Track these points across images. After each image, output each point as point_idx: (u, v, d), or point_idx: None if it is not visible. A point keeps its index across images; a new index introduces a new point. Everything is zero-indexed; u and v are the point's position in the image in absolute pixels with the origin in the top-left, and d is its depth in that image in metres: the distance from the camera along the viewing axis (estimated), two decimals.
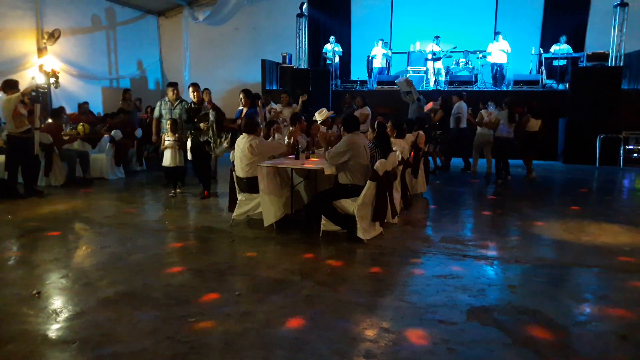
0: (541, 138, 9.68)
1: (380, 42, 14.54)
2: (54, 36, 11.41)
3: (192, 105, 7.49)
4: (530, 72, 14.00)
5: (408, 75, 14.17)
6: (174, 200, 7.33)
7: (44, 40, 11.40)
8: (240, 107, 8.18)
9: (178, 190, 7.66)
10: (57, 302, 3.67)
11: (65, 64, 12.07)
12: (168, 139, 7.43)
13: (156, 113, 7.94)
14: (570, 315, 3.55)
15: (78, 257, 4.77)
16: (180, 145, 7.46)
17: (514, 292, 3.94)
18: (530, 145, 9.58)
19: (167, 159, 7.49)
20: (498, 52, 13.48)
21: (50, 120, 8.82)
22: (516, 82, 13.24)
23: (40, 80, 11.07)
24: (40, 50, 11.44)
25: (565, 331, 3.28)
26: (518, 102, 10.06)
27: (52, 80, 10.76)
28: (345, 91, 13.47)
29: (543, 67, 13.43)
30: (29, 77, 10.97)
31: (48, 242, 5.26)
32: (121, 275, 4.27)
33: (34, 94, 7.63)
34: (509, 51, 13.44)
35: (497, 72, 13.67)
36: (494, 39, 13.56)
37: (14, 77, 8.00)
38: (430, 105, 10.80)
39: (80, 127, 9.45)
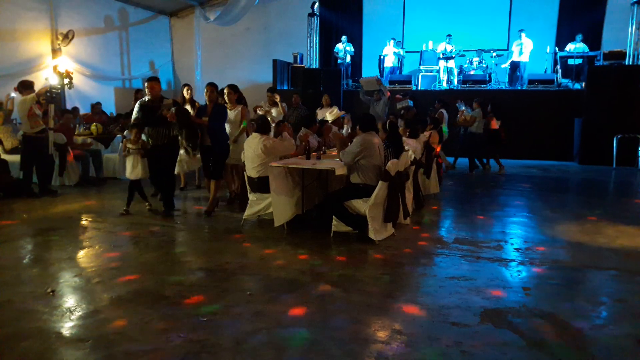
0: (504, 136, 10.53)
1: (392, 41, 14.47)
2: (67, 37, 11.52)
3: (148, 102, 6.18)
4: (545, 72, 13.84)
5: (420, 74, 14.13)
6: (182, 201, 7.35)
7: (58, 42, 11.51)
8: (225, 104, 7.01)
9: (148, 206, 6.59)
10: (70, 301, 3.70)
11: (79, 64, 12.18)
12: (130, 146, 6.35)
13: (135, 113, 6.84)
14: (587, 318, 3.49)
15: (91, 256, 4.80)
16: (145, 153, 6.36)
17: (528, 295, 3.89)
18: (496, 142, 10.41)
19: (129, 169, 6.38)
20: (521, 50, 13.30)
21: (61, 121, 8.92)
22: (531, 82, 13.09)
23: (54, 81, 11.16)
24: (55, 51, 11.56)
25: (581, 334, 3.23)
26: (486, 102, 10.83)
27: (66, 80, 10.88)
28: (357, 91, 13.43)
29: (558, 66, 13.26)
30: (44, 77, 11.07)
31: (62, 241, 5.30)
32: (133, 274, 4.29)
33: (48, 94, 7.71)
34: (531, 49, 13.27)
35: (517, 71, 13.51)
36: (518, 36, 13.41)
37: (29, 78, 8.09)
38: (398, 98, 10.76)
39: (93, 127, 9.54)
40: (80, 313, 3.46)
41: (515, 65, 13.47)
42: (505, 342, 3.08)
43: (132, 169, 6.35)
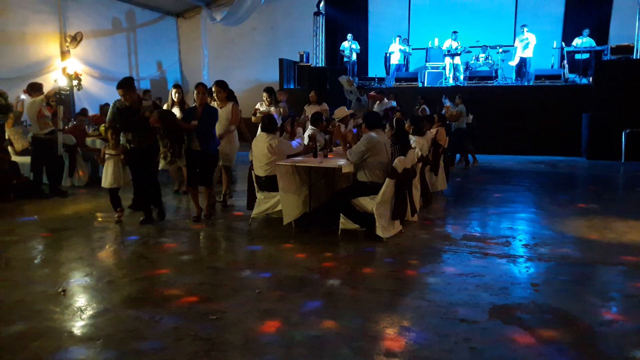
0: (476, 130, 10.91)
1: (397, 39, 14.45)
2: (76, 39, 11.63)
3: (124, 105, 5.71)
4: (552, 67, 13.76)
5: (426, 71, 14.10)
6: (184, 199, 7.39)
7: (67, 44, 11.62)
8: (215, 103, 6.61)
9: (116, 216, 6.06)
10: (81, 300, 3.74)
11: (87, 66, 12.28)
12: (108, 151, 5.86)
13: (109, 115, 6.28)
14: (596, 314, 3.48)
15: (101, 256, 4.85)
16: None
17: (537, 291, 3.88)
18: (472, 136, 10.78)
19: (107, 177, 5.86)
20: (524, 45, 13.24)
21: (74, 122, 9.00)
22: (537, 77, 13.01)
23: (63, 82, 11.25)
24: (63, 53, 11.67)
25: (591, 330, 3.22)
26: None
27: (75, 82, 10.95)
28: (363, 88, 13.43)
29: (565, 61, 13.18)
30: (53, 79, 11.18)
31: (72, 241, 5.36)
32: (143, 273, 4.33)
33: (57, 96, 7.78)
34: (535, 43, 13.20)
35: (522, 67, 13.45)
36: (521, 32, 13.33)
37: (38, 80, 8.18)
38: (374, 95, 10.79)
39: (102, 127, 9.60)
40: (91, 312, 3.50)
41: (520, 61, 13.42)
42: (514, 339, 3.08)
43: (110, 176, 5.81)
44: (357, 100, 10.51)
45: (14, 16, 10.42)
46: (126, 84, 5.67)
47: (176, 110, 6.97)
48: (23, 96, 8.27)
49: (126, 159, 5.85)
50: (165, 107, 7.32)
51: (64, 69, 11.57)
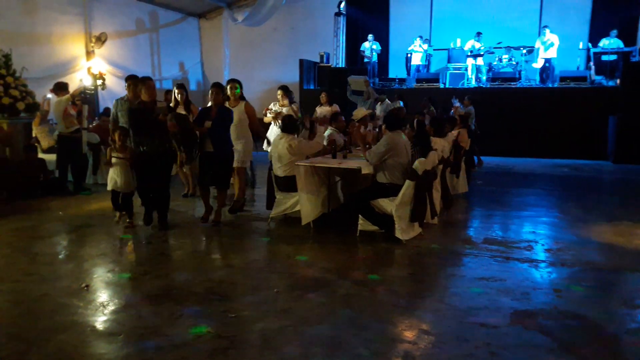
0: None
1: (418, 39, 14.36)
2: (100, 40, 11.83)
3: (139, 106, 5.49)
4: (577, 68, 13.51)
5: (448, 72, 13.97)
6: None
7: (92, 44, 11.82)
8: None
9: (117, 217, 5.97)
10: (104, 295, 3.80)
11: (111, 66, 12.47)
12: (115, 154, 5.68)
13: (112, 114, 6.51)
14: (621, 322, 3.41)
15: (123, 252, 4.92)
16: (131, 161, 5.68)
17: (560, 297, 3.81)
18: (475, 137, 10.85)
19: (114, 181, 5.71)
20: (547, 46, 13.04)
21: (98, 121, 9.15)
22: (562, 79, 12.77)
23: (88, 82, 11.49)
24: (88, 54, 11.87)
25: (615, 338, 3.15)
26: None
27: (99, 82, 11.17)
28: (384, 89, 13.37)
29: (592, 63, 12.92)
30: (78, 79, 11.39)
31: (95, 237, 5.45)
32: (164, 270, 4.38)
33: (82, 95, 7.93)
34: (558, 44, 12.99)
35: (546, 68, 13.23)
36: (543, 33, 13.13)
37: (64, 79, 8.35)
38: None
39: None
40: (113, 308, 3.56)
41: (544, 63, 13.21)
42: (535, 345, 3.03)
43: (116, 179, 5.66)
44: (376, 101, 10.39)
45: (41, 17, 10.64)
46: (146, 80, 5.56)
47: (180, 111, 6.73)
48: (49, 95, 8.46)
49: (134, 162, 5.57)
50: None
51: (88, 69, 11.79)
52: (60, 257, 4.82)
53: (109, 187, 5.80)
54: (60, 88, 7.65)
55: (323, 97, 9.14)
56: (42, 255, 4.80)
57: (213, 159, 5.69)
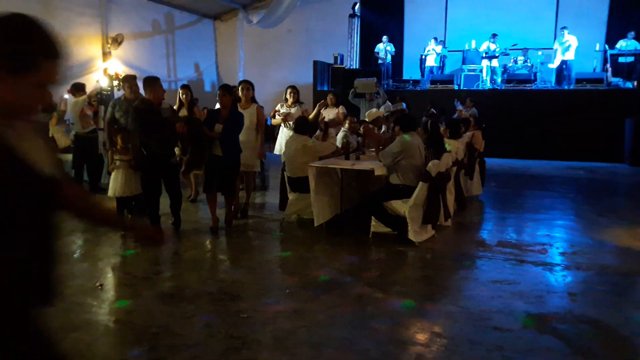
0: None
1: (432, 41, 14.30)
2: (117, 41, 11.96)
3: (146, 106, 5.22)
4: (594, 70, 13.34)
5: (463, 74, 13.88)
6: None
7: (109, 45, 11.96)
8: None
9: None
10: (117, 294, 3.84)
11: (128, 67, 12.60)
12: (118, 157, 5.53)
13: (109, 115, 6.05)
14: (636, 326, 3.35)
15: (138, 252, 4.97)
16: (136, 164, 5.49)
17: (574, 300, 3.77)
18: None
19: (117, 185, 5.53)
20: (565, 48, 12.90)
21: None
22: (579, 81, 12.61)
23: (104, 83, 11.63)
24: (105, 55, 12.02)
25: (630, 343, 3.10)
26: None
27: (115, 83, 11.30)
28: (397, 91, 13.32)
29: (609, 65, 12.74)
30: (94, 80, 11.54)
31: (110, 237, 5.50)
32: (177, 270, 4.41)
33: (99, 96, 8.03)
34: (576, 46, 12.84)
35: (563, 70, 13.09)
36: (561, 34, 12.99)
37: (80, 80, 8.46)
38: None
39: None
40: (126, 307, 3.59)
41: (561, 64, 13.06)
42: (549, 349, 3.00)
43: (121, 184, 5.45)
44: (384, 102, 10.24)
45: (58, 19, 10.78)
46: (156, 78, 5.39)
47: (183, 113, 6.61)
48: (66, 96, 8.58)
49: (138, 165, 5.40)
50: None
51: (105, 70, 11.93)
52: (75, 256, 4.88)
53: (112, 193, 5.54)
54: (77, 89, 7.75)
55: (331, 98, 8.39)
56: (58, 254, 4.85)
57: (221, 164, 5.46)
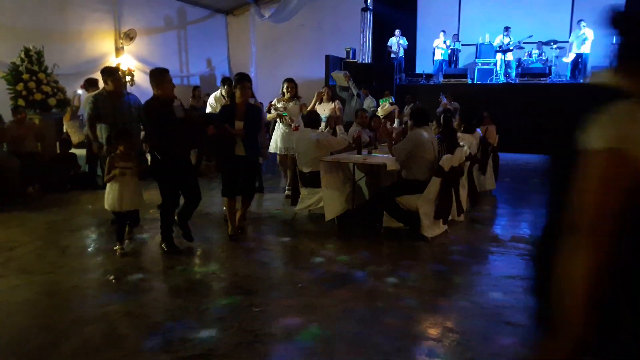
0: None
1: (441, 34, 14.19)
2: (129, 36, 12.02)
3: (158, 105, 4.52)
4: (610, 64, 13.11)
5: (476, 68, 13.76)
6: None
7: (121, 41, 12.02)
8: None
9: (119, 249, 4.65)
10: (131, 288, 3.87)
11: (140, 62, 12.66)
12: (122, 164, 4.52)
13: (90, 112, 5.51)
14: None
15: (151, 245, 5.00)
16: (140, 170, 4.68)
17: None
18: None
19: (124, 198, 4.53)
20: (581, 41, 12.71)
21: None
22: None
23: None
24: (118, 50, 12.08)
25: None
26: None
27: (128, 78, 11.36)
28: (411, 85, 13.25)
29: None
30: None
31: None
32: (191, 263, 4.44)
33: None
34: (592, 39, 12.65)
35: (578, 64, 12.91)
36: (578, 27, 12.80)
37: (93, 76, 8.49)
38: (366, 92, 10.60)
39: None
40: (140, 300, 3.62)
41: (576, 58, 12.87)
42: None
43: (125, 196, 4.51)
44: (357, 95, 10.10)
45: (71, 15, 10.87)
46: (159, 73, 4.64)
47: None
48: (80, 91, 8.65)
49: (145, 173, 4.69)
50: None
51: (118, 65, 12.01)
52: (89, 250, 4.93)
53: (112, 207, 4.57)
54: (91, 84, 7.81)
55: (328, 92, 7.80)
56: (72, 248, 4.92)
57: (244, 164, 5.00)
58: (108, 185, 4.57)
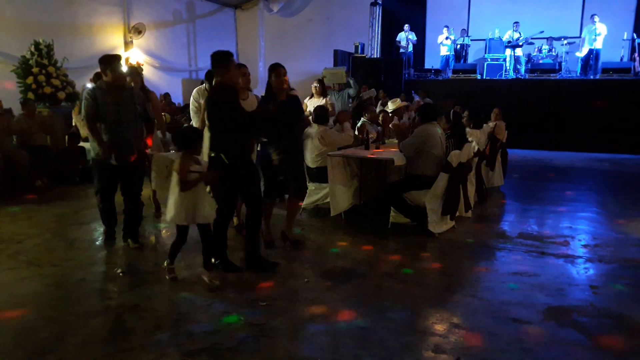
0: None
1: (445, 29, 14.11)
2: (138, 30, 12.05)
3: (225, 95, 3.90)
4: (621, 59, 12.98)
5: (486, 63, 13.66)
6: None
7: (130, 35, 12.05)
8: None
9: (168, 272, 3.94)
10: (138, 282, 3.89)
11: (149, 56, 12.69)
12: (195, 168, 3.67)
13: (89, 109, 4.52)
14: None
15: (159, 240, 5.04)
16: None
17: (596, 293, 3.70)
18: None
19: (199, 210, 3.70)
20: (594, 36, 12.57)
21: None
22: (605, 70, 12.27)
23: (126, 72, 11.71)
24: (127, 44, 12.12)
25: None
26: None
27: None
28: (419, 80, 13.20)
29: (636, 54, 12.38)
30: None
31: None
32: (198, 258, 4.45)
33: None
34: (605, 34, 12.50)
35: (590, 59, 12.77)
36: (591, 22, 12.67)
37: None
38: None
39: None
40: (146, 293, 3.65)
41: (588, 53, 12.74)
42: (570, 342, 2.96)
43: (199, 207, 3.68)
44: (340, 91, 9.95)
45: (81, 9, 10.91)
46: (224, 56, 3.93)
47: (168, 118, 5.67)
48: (89, 85, 8.67)
49: (217, 177, 3.76)
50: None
51: (126, 59, 12.04)
52: (97, 243, 4.96)
53: (181, 220, 3.74)
54: (100, 78, 7.81)
55: (316, 87, 7.25)
56: (80, 241, 4.96)
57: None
58: (176, 194, 3.62)
